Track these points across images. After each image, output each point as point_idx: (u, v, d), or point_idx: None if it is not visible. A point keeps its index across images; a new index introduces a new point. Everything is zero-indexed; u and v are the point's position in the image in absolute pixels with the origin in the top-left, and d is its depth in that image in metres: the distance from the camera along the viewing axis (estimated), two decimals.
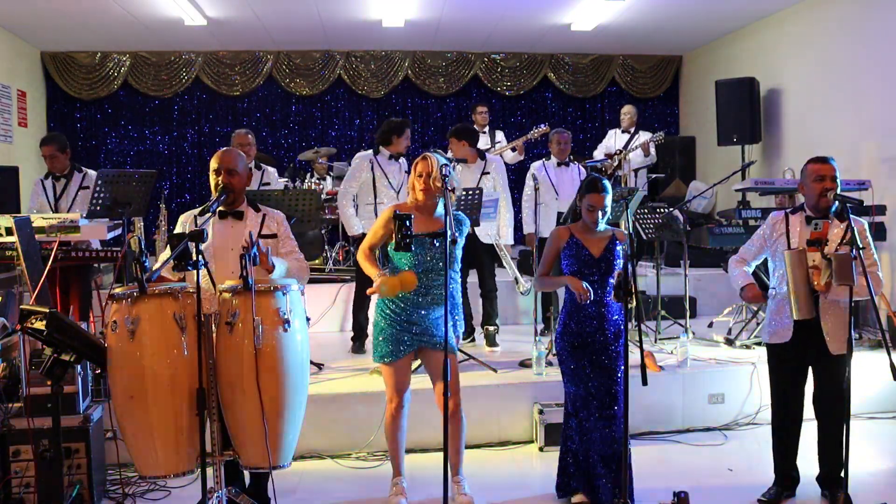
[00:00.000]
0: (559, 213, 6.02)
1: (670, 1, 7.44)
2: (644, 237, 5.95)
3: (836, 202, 3.53)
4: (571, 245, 3.65)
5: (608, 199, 3.62)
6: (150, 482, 3.88)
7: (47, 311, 2.81)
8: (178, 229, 3.33)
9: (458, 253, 3.66)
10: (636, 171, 8.10)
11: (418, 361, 3.85)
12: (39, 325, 2.79)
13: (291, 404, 2.98)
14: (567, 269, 3.68)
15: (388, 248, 3.61)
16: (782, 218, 3.77)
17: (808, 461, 3.85)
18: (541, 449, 4.52)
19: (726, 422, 4.95)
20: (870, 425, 4.99)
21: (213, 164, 3.37)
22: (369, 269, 3.55)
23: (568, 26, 8.33)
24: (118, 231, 5.04)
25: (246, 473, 3.47)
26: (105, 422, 3.90)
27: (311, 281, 3.99)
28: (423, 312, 3.55)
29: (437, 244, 3.47)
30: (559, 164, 6.33)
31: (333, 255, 7.49)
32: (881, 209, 5.77)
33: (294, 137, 9.81)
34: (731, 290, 4.44)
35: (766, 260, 3.88)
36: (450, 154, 5.82)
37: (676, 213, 6.01)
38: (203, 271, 2.82)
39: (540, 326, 5.55)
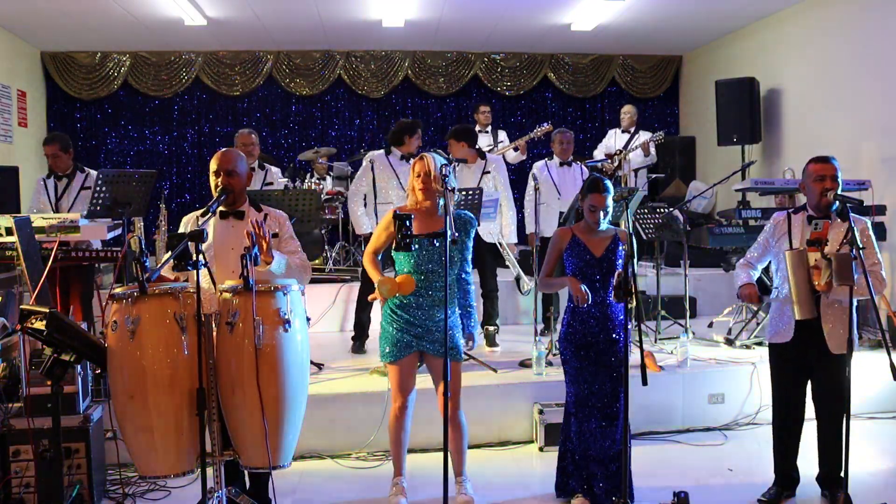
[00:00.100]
0: (561, 213, 6.02)
1: (670, 1, 7.44)
2: (644, 237, 5.95)
3: (837, 202, 3.53)
4: (573, 246, 3.66)
5: (610, 200, 3.63)
6: (150, 482, 3.88)
7: (47, 311, 2.81)
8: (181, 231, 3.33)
9: (469, 253, 3.67)
10: (636, 171, 8.11)
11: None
12: (39, 325, 2.79)
13: (291, 404, 2.98)
14: (570, 270, 3.68)
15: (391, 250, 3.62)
16: (784, 218, 3.78)
17: (808, 461, 3.85)
18: (541, 449, 4.52)
19: (726, 422, 4.95)
20: (870, 425, 4.99)
21: (213, 165, 3.38)
22: (372, 274, 3.62)
23: (568, 26, 8.33)
24: (118, 231, 5.05)
25: (246, 473, 3.47)
26: (105, 422, 3.89)
27: (312, 281, 3.99)
28: (424, 313, 3.55)
29: (438, 244, 3.48)
30: (561, 164, 6.32)
31: (333, 255, 7.49)
32: (881, 209, 5.77)
33: (294, 137, 9.79)
34: (731, 290, 4.45)
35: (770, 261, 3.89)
36: (449, 155, 5.82)
37: (676, 213, 6.01)
38: (203, 271, 2.83)
39: (540, 326, 5.54)
